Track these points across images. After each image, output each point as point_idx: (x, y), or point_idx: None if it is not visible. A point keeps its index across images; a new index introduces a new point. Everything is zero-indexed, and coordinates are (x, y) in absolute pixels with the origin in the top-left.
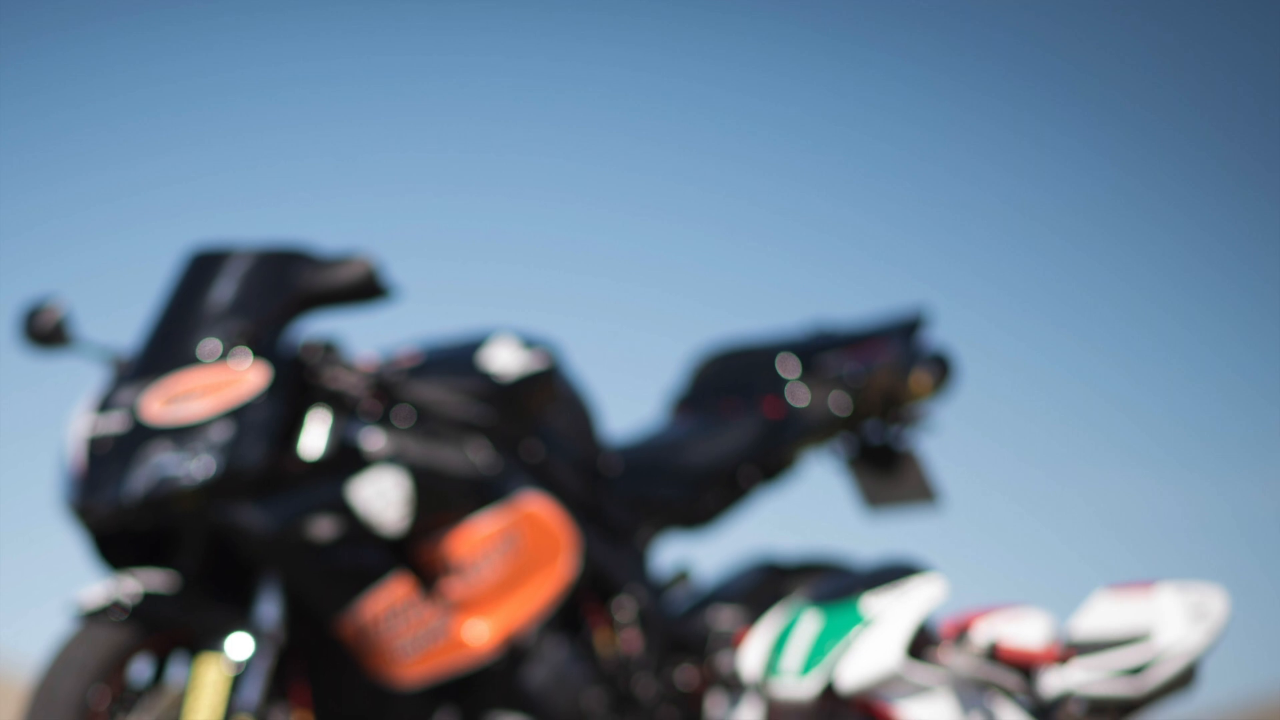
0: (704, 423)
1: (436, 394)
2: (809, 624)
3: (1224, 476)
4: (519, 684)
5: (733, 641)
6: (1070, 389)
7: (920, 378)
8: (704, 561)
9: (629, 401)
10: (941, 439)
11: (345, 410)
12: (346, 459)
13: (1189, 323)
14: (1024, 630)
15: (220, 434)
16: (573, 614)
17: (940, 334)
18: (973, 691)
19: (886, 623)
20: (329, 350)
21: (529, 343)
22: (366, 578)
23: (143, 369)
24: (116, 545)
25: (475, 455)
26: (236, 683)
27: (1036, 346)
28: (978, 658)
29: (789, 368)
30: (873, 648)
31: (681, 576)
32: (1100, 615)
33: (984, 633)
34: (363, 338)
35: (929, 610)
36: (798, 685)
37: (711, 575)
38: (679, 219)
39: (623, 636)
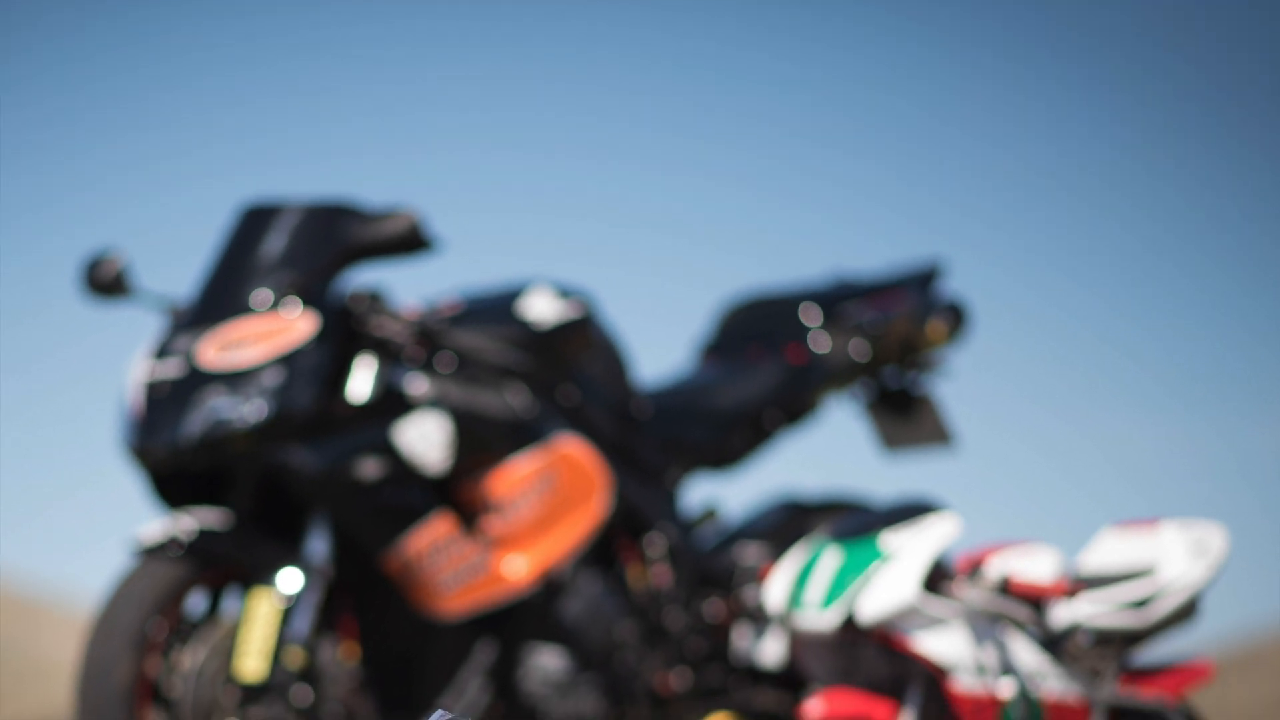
0: (731, 368)
1: (477, 341)
2: (830, 559)
3: (1224, 420)
4: (555, 616)
5: (758, 576)
6: (1079, 337)
7: (936, 326)
8: (730, 500)
9: (660, 348)
10: (956, 384)
11: (390, 357)
12: (391, 403)
13: (1192, 274)
14: (1034, 565)
15: (272, 379)
16: (606, 550)
17: (955, 284)
18: (985, 623)
19: (904, 558)
20: (375, 300)
21: (565, 292)
22: (410, 515)
23: (198, 317)
24: (173, 485)
25: (514, 399)
26: (287, 615)
27: (1047, 296)
28: (990, 591)
29: (811, 316)
30: (891, 582)
31: (709, 514)
32: (1107, 551)
33: (996, 568)
34: (407, 288)
35: (944, 546)
36: (819, 617)
37: (738, 513)
38: (708, 177)
39: (654, 571)
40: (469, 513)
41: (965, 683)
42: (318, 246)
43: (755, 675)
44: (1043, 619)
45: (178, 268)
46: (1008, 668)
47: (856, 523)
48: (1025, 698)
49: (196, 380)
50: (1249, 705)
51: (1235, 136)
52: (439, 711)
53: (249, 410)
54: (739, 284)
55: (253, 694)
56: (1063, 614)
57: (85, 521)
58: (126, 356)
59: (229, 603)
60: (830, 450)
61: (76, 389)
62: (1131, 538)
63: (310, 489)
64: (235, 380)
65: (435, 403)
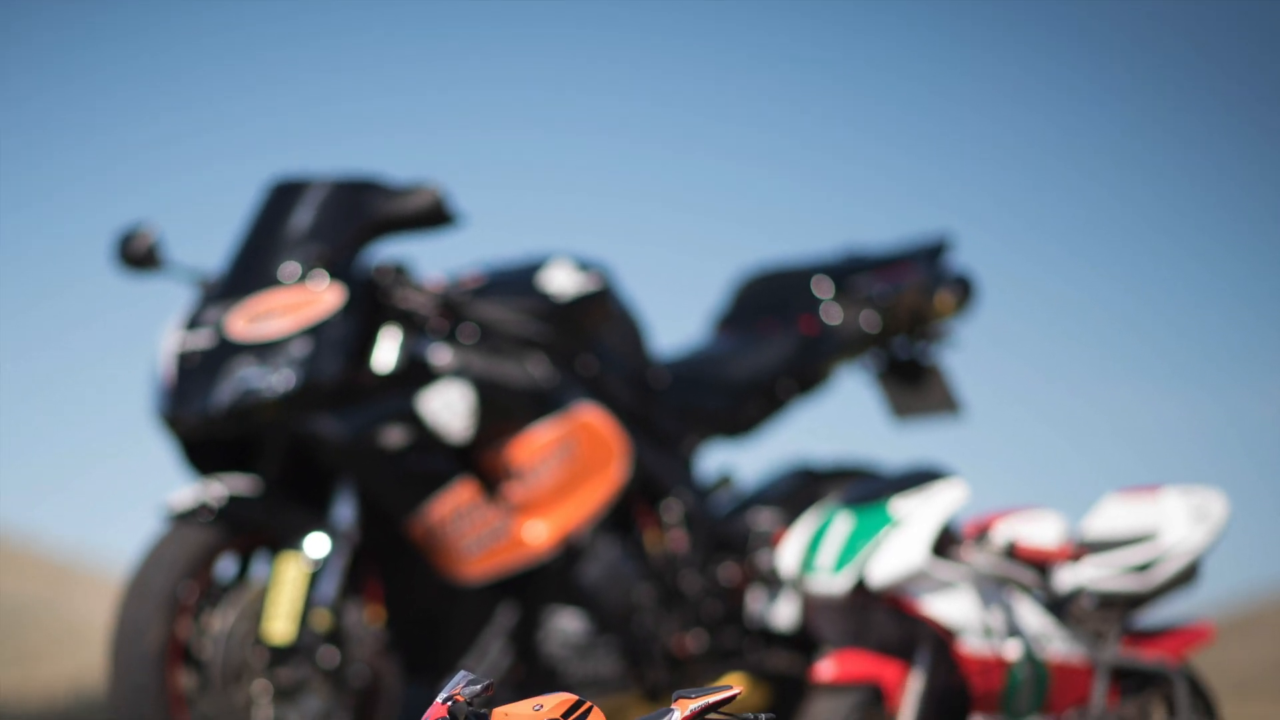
0: (745, 339)
1: (499, 313)
2: (842, 524)
3: (1225, 390)
4: (575, 580)
5: (771, 541)
6: (1084, 310)
7: (944, 298)
8: (745, 467)
9: (676, 320)
10: (963, 354)
11: (414, 328)
12: (416, 373)
13: (1194, 249)
14: (1040, 530)
15: (300, 350)
16: (624, 515)
17: (962, 258)
18: (992, 587)
19: (913, 523)
20: (399, 272)
21: (584, 265)
22: (434, 482)
23: (228, 290)
24: (204, 452)
25: (534, 369)
26: (314, 579)
27: (1053, 269)
28: (997, 556)
29: (823, 288)
30: (900, 546)
31: (724, 481)
32: (1110, 516)
33: (1003, 533)
34: (431, 261)
35: (952, 512)
36: (831, 581)
37: (752, 480)
38: (723, 154)
39: (670, 536)
40: (491, 479)
41: (973, 644)
42: (344, 221)
43: (769, 637)
44: (1048, 583)
45: (208, 242)
46: (1014, 630)
47: (867, 489)
48: (1031, 659)
49: (226, 351)
50: (1248, 667)
51: (1236, 111)
52: (462, 673)
53: (277, 380)
54: (753, 257)
55: (281, 655)
56: (1067, 578)
57: (118, 488)
58: (158, 328)
59: (258, 567)
60: (842, 419)
61: (109, 359)
62: (1134, 504)
63: (337, 456)
64: (264, 351)
65: (458, 372)
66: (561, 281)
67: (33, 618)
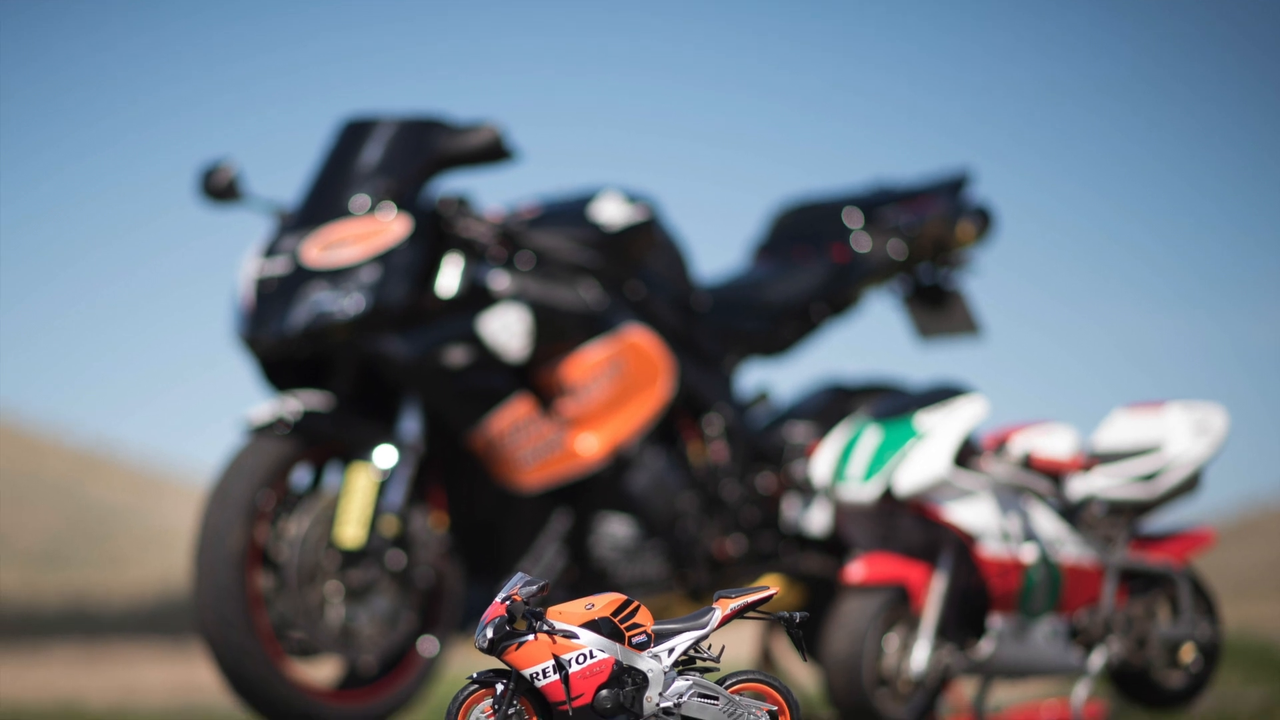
0: (781, 266)
1: (553, 241)
2: (870, 437)
3: (1225, 312)
4: (623, 488)
5: (805, 452)
6: (1094, 238)
7: (965, 228)
8: (781, 384)
9: (717, 248)
10: (983, 280)
11: (475, 255)
12: (476, 297)
13: (1198, 181)
14: (1054, 442)
15: (369, 276)
16: (669, 429)
17: (982, 190)
18: (1010, 495)
19: (937, 436)
20: (462, 204)
21: (632, 197)
22: (493, 398)
23: (303, 220)
24: (281, 371)
25: (586, 293)
26: (383, 488)
27: (1066, 200)
28: (1014, 466)
29: (853, 219)
30: (925, 457)
31: (762, 397)
32: (1118, 430)
33: (1020, 445)
34: (490, 193)
35: (973, 425)
36: (861, 489)
37: (787, 396)
38: (763, 95)
39: (712, 448)
40: (546, 395)
41: (992, 548)
42: (410, 156)
43: (803, 541)
44: (1061, 491)
45: (284, 176)
46: (1030, 535)
47: (894, 404)
48: (1045, 562)
49: (301, 277)
50: (1246, 569)
51: (1243, 44)
52: (519, 574)
53: (348, 303)
54: (789, 190)
55: (352, 558)
56: (1079, 486)
57: (201, 403)
58: (238, 255)
59: (330, 476)
60: (870, 339)
61: (193, 284)
62: (1141, 418)
63: (403, 374)
64: (336, 277)
65: (516, 297)
66: (611, 212)
67: (122, 523)
